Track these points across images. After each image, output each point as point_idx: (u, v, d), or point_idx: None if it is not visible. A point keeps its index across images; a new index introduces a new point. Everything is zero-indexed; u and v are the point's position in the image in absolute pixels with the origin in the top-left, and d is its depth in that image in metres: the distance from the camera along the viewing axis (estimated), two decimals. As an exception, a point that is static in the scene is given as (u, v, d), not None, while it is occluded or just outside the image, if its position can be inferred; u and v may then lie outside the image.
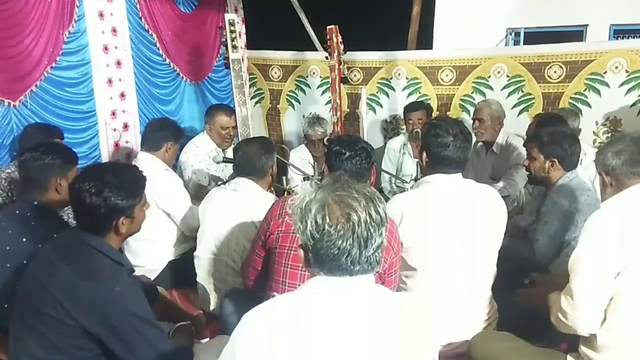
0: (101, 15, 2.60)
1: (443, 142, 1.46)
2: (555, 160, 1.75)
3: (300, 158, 2.93)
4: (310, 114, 3.45)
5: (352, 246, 0.82)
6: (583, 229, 1.25)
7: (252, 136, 2.64)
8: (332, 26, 2.73)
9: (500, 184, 2.56)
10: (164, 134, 2.17)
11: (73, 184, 1.19)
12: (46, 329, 1.12)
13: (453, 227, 1.46)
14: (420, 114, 2.84)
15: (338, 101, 2.79)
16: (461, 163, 1.50)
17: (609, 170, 1.31)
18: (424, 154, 1.53)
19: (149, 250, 2.06)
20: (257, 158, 1.79)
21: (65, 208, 1.61)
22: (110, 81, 2.67)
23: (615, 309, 1.20)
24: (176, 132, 2.24)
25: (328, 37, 2.74)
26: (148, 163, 2.07)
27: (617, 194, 1.29)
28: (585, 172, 2.03)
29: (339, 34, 2.74)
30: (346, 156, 1.46)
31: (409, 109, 2.88)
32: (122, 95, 2.76)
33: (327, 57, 2.80)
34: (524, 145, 2.19)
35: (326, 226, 0.82)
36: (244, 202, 1.77)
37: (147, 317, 1.18)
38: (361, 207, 0.83)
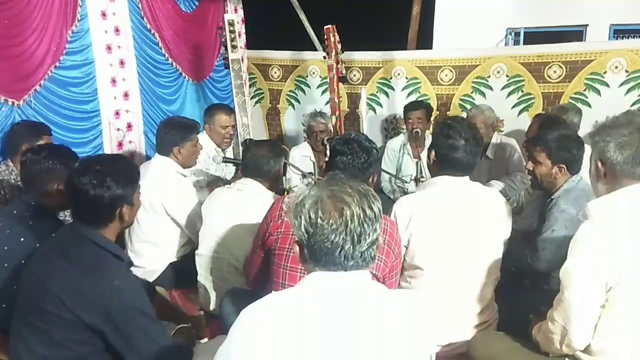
0: (104, 14, 2.60)
1: (454, 145, 1.46)
2: (564, 166, 1.71)
3: (302, 155, 2.93)
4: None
5: (345, 241, 0.83)
6: (573, 240, 1.20)
7: (251, 136, 2.66)
8: (329, 26, 2.74)
9: (501, 185, 2.56)
10: (168, 139, 2.09)
11: (70, 180, 1.19)
12: (47, 326, 1.12)
13: (459, 229, 1.47)
14: (420, 113, 2.84)
15: (337, 100, 2.80)
16: (469, 167, 1.50)
17: (606, 161, 1.19)
18: (433, 153, 1.53)
19: (151, 252, 2.07)
20: (265, 161, 1.80)
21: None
22: (113, 81, 2.67)
23: (608, 317, 1.17)
24: (182, 131, 2.09)
25: (325, 36, 2.75)
26: (161, 166, 2.07)
27: (608, 196, 1.21)
28: (586, 171, 2.01)
29: (336, 34, 2.75)
30: (343, 154, 1.45)
31: (409, 108, 2.89)
32: (126, 95, 2.77)
33: (325, 57, 2.81)
34: (524, 146, 2.16)
35: (319, 220, 0.83)
36: (250, 203, 1.77)
37: (147, 310, 1.18)
38: (354, 203, 0.84)
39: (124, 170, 1.24)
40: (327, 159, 1.58)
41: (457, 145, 1.46)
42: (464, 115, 3.19)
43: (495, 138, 2.72)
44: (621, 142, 1.17)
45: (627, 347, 1.18)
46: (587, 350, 1.23)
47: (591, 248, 1.16)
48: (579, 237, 1.19)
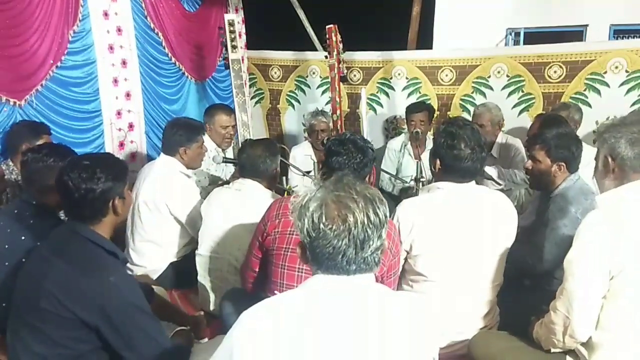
0: (106, 14, 2.61)
1: (460, 155, 1.42)
2: (563, 164, 1.72)
3: (303, 154, 2.93)
4: (313, 111, 3.46)
5: (348, 246, 0.82)
6: (578, 230, 1.22)
7: (251, 136, 2.67)
8: (331, 25, 2.75)
9: (494, 171, 2.54)
10: (174, 139, 2.10)
11: (60, 178, 1.19)
12: (44, 325, 1.12)
13: (462, 237, 1.45)
14: (422, 115, 2.84)
15: (338, 99, 2.81)
16: (476, 173, 1.48)
17: (616, 156, 1.23)
18: (437, 162, 1.49)
19: (152, 251, 2.07)
20: (262, 160, 1.81)
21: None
22: (115, 81, 2.68)
23: (609, 309, 1.19)
24: (188, 133, 2.11)
25: (327, 36, 2.76)
26: (166, 166, 2.08)
27: (614, 190, 1.24)
28: (585, 169, 2.03)
29: (337, 33, 2.76)
30: (338, 155, 1.44)
31: (411, 110, 2.88)
32: (128, 94, 2.77)
33: (326, 57, 2.82)
34: (524, 146, 2.16)
35: (322, 225, 0.82)
36: (249, 203, 1.78)
37: (144, 307, 1.18)
38: (359, 209, 0.83)
39: (112, 163, 1.25)
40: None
41: (462, 155, 1.42)
42: (465, 115, 3.20)
43: (501, 137, 2.72)
44: (632, 138, 1.21)
45: (628, 340, 1.19)
46: (588, 344, 1.23)
47: (596, 238, 1.17)
48: (584, 227, 1.21)
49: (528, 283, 1.78)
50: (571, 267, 1.21)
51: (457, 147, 1.42)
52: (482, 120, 2.64)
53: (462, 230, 1.45)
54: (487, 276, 1.50)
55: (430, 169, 1.58)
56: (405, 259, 1.51)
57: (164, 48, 3.01)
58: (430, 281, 1.48)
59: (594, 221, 1.20)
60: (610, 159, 1.26)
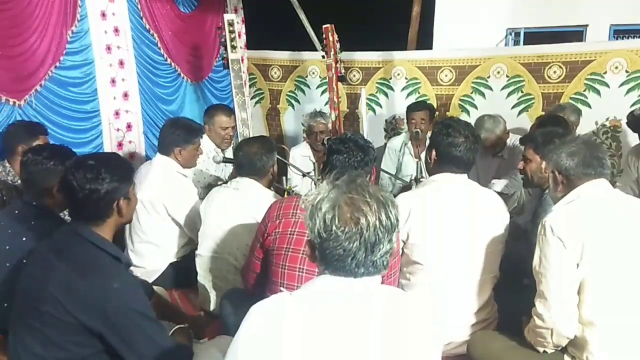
0: (103, 15, 2.61)
1: (454, 142, 1.51)
2: None
3: (301, 155, 2.93)
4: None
5: (359, 249, 0.82)
6: (538, 232, 1.30)
7: (250, 136, 2.67)
8: (328, 25, 2.75)
9: (503, 181, 2.56)
10: (171, 138, 2.10)
11: (65, 177, 1.18)
12: (46, 327, 1.12)
13: (457, 227, 1.49)
14: (423, 114, 2.83)
15: (336, 99, 2.81)
16: (469, 164, 1.55)
17: (561, 169, 1.38)
18: (433, 152, 1.57)
19: (152, 252, 2.08)
20: (258, 158, 1.81)
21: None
22: (113, 81, 2.69)
23: (584, 304, 1.26)
24: (185, 134, 2.11)
25: (324, 36, 2.76)
26: (162, 166, 2.09)
27: (568, 194, 1.36)
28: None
29: (334, 33, 2.76)
30: (339, 153, 1.45)
31: (412, 108, 2.88)
32: (126, 95, 2.78)
33: (323, 57, 2.82)
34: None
35: (334, 227, 0.82)
36: (247, 201, 1.78)
37: (147, 312, 1.18)
38: (372, 212, 0.83)
39: (117, 163, 1.24)
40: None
41: (457, 142, 1.51)
42: (464, 115, 3.20)
43: (510, 139, 2.70)
44: (571, 151, 1.38)
45: (610, 333, 1.24)
46: (576, 342, 1.27)
47: (553, 237, 1.25)
48: (540, 230, 1.29)
49: (527, 282, 1.79)
50: (540, 269, 1.29)
51: (452, 135, 1.52)
52: (494, 140, 2.62)
53: (455, 219, 1.50)
54: (481, 265, 1.53)
55: (426, 159, 1.64)
56: (403, 251, 1.53)
57: (160, 49, 3.02)
58: (426, 271, 1.51)
59: (549, 222, 1.28)
60: (557, 174, 1.40)
